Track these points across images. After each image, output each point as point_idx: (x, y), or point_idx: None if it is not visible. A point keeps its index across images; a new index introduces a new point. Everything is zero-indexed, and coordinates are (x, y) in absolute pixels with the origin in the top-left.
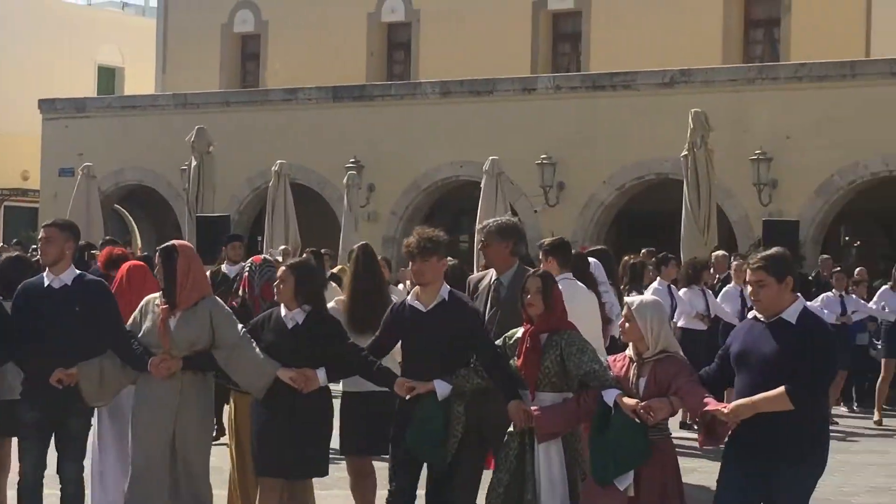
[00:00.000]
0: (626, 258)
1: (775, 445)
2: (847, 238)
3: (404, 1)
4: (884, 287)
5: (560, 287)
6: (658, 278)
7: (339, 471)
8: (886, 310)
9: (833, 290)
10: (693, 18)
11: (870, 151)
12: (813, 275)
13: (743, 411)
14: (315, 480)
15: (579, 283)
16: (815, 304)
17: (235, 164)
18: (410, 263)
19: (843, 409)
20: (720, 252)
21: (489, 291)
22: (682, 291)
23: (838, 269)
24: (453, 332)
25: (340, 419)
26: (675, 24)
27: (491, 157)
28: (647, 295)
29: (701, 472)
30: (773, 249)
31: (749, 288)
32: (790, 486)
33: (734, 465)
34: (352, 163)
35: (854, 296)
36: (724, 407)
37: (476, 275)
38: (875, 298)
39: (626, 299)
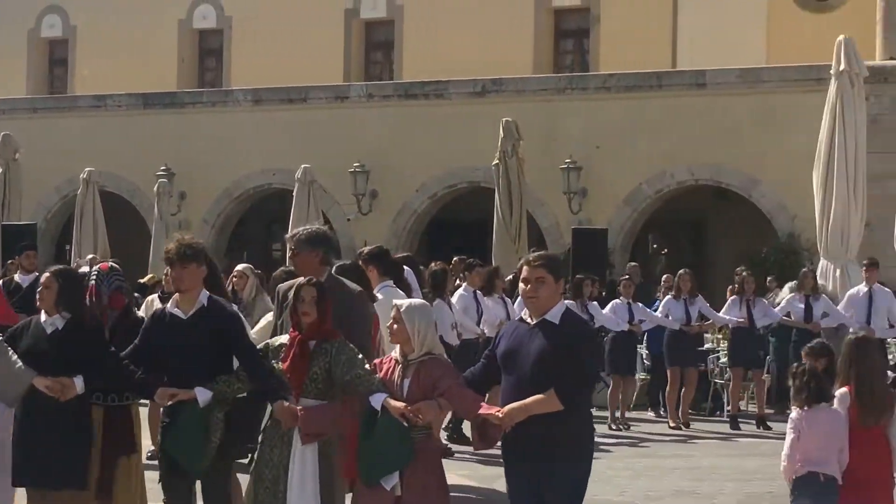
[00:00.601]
0: (432, 265)
1: (547, 445)
2: (655, 246)
3: (216, 7)
4: (668, 297)
5: (380, 295)
6: (464, 284)
7: None
8: (670, 318)
9: (621, 298)
10: (504, 28)
11: (676, 160)
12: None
13: (516, 414)
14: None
15: (399, 290)
16: (605, 311)
17: (43, 172)
18: (169, 269)
19: (650, 414)
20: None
21: None
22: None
23: (626, 277)
24: (214, 337)
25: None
26: (486, 34)
27: (303, 165)
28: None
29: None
30: (549, 252)
31: (526, 286)
32: (562, 485)
33: (515, 469)
34: (163, 170)
35: (640, 304)
36: (498, 411)
37: (285, 283)
38: (660, 308)
39: (395, 301)
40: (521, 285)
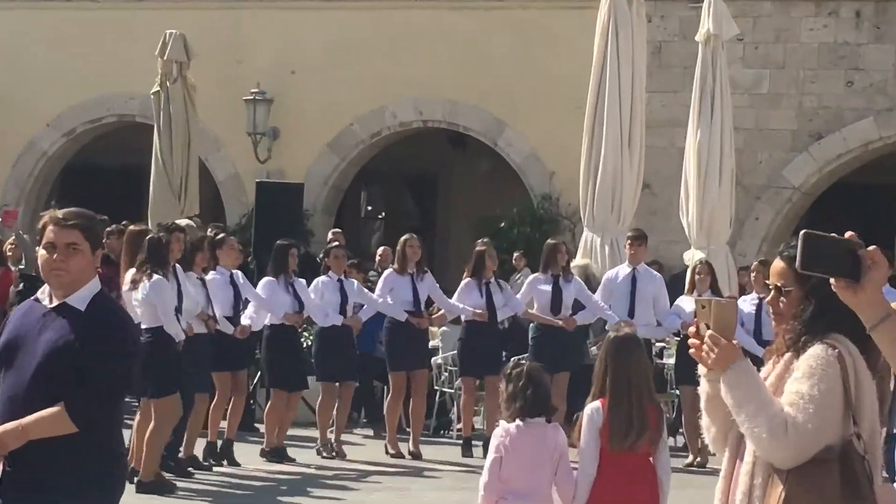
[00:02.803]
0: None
1: (47, 482)
2: (369, 207)
3: None
4: (389, 270)
5: None
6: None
7: None
8: (390, 300)
9: (331, 273)
10: None
11: (399, 95)
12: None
13: (8, 440)
14: None
15: None
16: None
17: None
18: None
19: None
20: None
21: None
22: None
23: (336, 244)
24: None
25: None
26: None
27: None
28: None
29: None
30: (84, 210)
31: (51, 254)
32: None
33: None
34: None
35: (355, 282)
36: None
37: None
38: (379, 286)
39: None
40: (42, 252)
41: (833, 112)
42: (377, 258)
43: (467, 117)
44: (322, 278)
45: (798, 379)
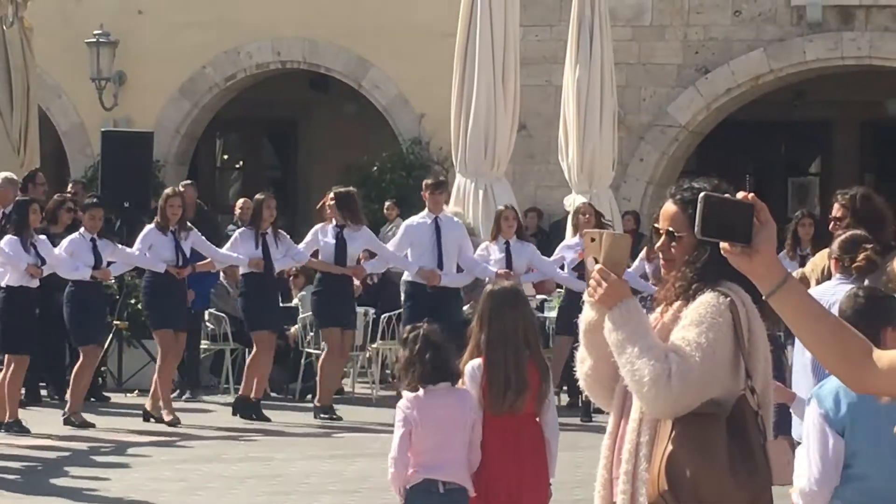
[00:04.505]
0: None
1: None
2: (225, 157)
3: None
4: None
5: None
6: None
7: None
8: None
9: (83, 232)
10: None
11: (253, 35)
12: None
13: None
14: None
15: None
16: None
17: None
18: None
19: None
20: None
21: None
22: None
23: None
24: None
25: None
26: None
27: None
28: None
29: None
30: None
31: None
32: None
33: None
34: None
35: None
36: None
37: None
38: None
39: None
40: None
41: (720, 44)
42: (237, 211)
43: (328, 57)
44: (73, 236)
45: (686, 326)
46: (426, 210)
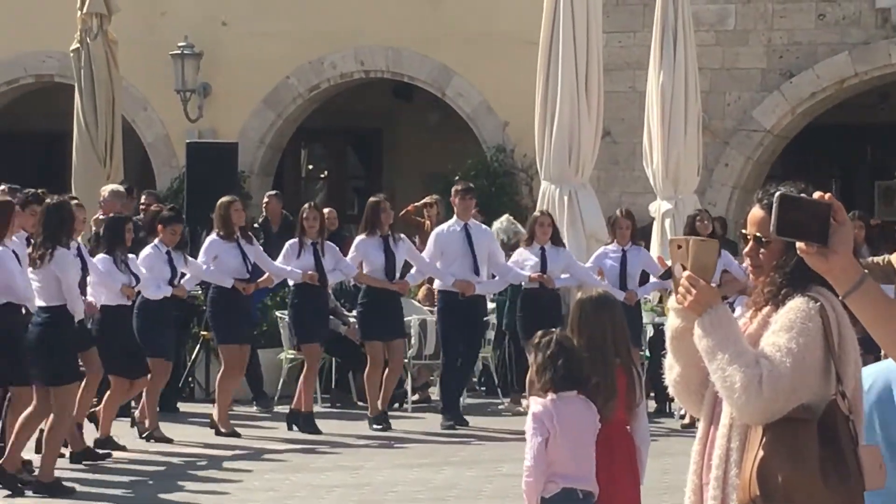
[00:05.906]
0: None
1: None
2: (311, 167)
3: None
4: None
5: None
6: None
7: None
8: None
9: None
10: None
11: (338, 43)
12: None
13: None
14: None
15: None
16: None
17: None
18: None
19: None
20: None
21: None
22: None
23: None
24: None
25: None
26: None
27: None
28: None
29: None
30: None
31: None
32: None
33: None
34: None
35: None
36: None
37: None
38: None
39: None
40: None
41: (804, 48)
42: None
43: (411, 66)
44: (148, 251)
45: (776, 332)
46: (454, 217)
